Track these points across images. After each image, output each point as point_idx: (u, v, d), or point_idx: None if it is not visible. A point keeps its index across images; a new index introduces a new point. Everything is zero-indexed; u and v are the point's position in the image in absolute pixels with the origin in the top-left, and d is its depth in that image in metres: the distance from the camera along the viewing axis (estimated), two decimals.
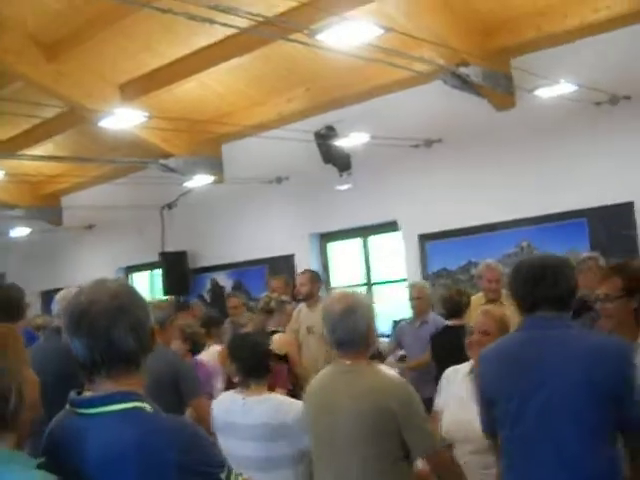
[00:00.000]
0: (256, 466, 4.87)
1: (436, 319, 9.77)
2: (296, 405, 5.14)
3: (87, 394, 2.61)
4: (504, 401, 4.05)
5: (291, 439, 5.01)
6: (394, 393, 4.41)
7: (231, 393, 5.48)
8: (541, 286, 4.00)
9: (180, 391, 6.28)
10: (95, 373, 2.60)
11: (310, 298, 10.13)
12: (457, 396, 5.26)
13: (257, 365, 5.35)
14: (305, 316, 10.00)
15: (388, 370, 4.85)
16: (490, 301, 8.78)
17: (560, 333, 3.98)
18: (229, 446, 4.81)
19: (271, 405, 5.17)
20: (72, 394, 2.65)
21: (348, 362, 4.54)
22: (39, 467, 2.44)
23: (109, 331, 2.56)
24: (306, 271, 10.87)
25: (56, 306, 6.95)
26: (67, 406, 2.64)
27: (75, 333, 2.62)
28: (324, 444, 4.56)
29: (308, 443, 4.81)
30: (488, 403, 4.20)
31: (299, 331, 9.80)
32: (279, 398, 5.38)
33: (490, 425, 4.22)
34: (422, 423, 4.43)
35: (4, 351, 2.50)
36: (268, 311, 8.77)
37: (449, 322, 8.67)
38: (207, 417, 5.61)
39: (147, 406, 2.56)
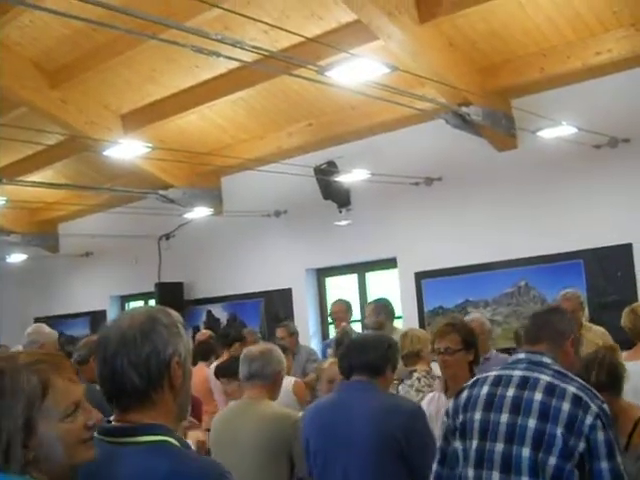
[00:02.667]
0: None
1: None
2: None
3: (114, 423, 2.58)
4: (313, 454, 4.77)
5: None
6: (290, 422, 5.14)
7: None
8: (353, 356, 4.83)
9: None
10: (110, 402, 2.60)
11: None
12: None
13: None
14: None
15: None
16: None
17: (363, 395, 4.67)
18: None
19: None
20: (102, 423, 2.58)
21: (253, 395, 5.31)
22: None
23: (112, 363, 2.54)
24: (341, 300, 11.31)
25: (26, 339, 6.88)
26: (95, 434, 2.54)
27: (95, 360, 2.66)
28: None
29: None
30: (307, 450, 4.85)
31: None
32: None
33: (309, 469, 4.89)
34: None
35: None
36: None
37: None
38: None
39: (174, 441, 2.51)
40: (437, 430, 4.71)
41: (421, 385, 8.10)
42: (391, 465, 4.37)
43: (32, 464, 2.31)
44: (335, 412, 4.72)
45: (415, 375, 7.93)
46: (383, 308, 10.29)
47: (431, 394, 5.83)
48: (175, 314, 2.71)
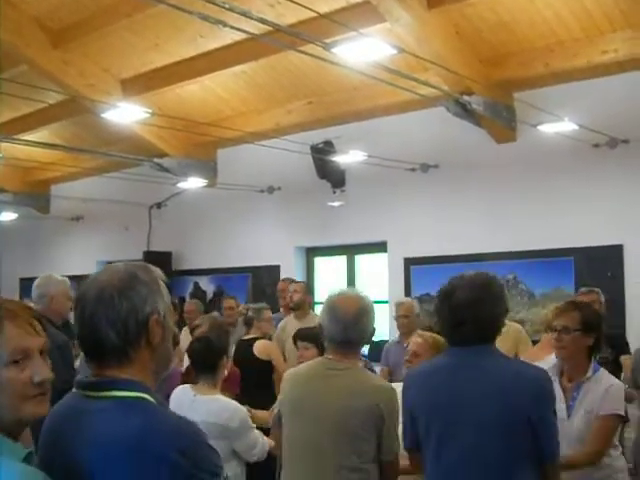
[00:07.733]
0: None
1: None
2: (242, 410, 5.64)
3: (90, 377, 2.58)
4: (425, 423, 4.15)
5: (231, 441, 5.43)
6: (384, 394, 4.50)
7: (185, 387, 5.74)
8: (464, 327, 4.07)
9: None
10: (87, 358, 2.61)
11: (300, 308, 10.43)
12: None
13: (205, 362, 5.75)
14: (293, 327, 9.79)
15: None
16: None
17: (479, 360, 4.06)
18: None
19: (220, 406, 5.54)
20: (80, 376, 2.62)
21: (345, 361, 4.60)
22: (28, 456, 2.34)
23: (90, 321, 2.53)
24: (300, 281, 11.36)
25: (35, 291, 6.87)
26: (74, 388, 2.60)
27: (74, 316, 2.62)
28: (304, 437, 4.59)
29: (245, 446, 5.53)
30: (412, 419, 4.26)
31: (286, 341, 9.51)
32: (227, 401, 5.69)
33: (413, 441, 4.29)
34: (396, 428, 4.51)
35: None
36: (247, 322, 9.28)
37: None
38: None
39: (150, 397, 2.50)
40: None
41: None
42: (511, 438, 3.91)
43: None
44: (447, 379, 4.17)
45: None
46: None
47: None
48: (157, 270, 2.69)
